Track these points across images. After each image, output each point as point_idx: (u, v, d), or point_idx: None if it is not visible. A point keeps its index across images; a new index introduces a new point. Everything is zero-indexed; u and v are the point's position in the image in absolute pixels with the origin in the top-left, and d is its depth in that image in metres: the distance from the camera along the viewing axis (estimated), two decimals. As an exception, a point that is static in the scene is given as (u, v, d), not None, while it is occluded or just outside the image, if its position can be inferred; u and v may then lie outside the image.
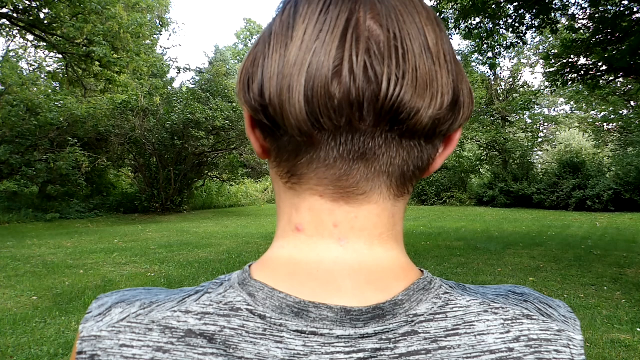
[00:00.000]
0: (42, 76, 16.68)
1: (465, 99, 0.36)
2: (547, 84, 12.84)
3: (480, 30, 8.26)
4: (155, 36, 21.66)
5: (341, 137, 0.33)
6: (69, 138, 13.60)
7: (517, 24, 8.03)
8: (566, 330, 0.37)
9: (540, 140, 24.72)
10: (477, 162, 21.69)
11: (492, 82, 22.59)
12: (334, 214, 0.36)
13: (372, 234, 0.37)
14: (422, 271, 0.39)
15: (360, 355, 0.33)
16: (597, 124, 23.29)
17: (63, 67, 15.43)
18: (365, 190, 0.35)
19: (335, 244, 0.36)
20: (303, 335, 0.33)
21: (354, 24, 0.32)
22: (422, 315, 0.35)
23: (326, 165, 0.34)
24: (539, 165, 22.50)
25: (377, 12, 0.32)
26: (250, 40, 42.61)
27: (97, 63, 12.96)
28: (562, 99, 25.88)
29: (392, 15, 0.33)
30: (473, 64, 19.72)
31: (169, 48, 34.34)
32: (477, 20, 8.17)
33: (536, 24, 8.19)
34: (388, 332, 0.34)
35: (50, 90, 15.70)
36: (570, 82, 9.05)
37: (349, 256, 0.36)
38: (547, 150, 24.79)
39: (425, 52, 0.33)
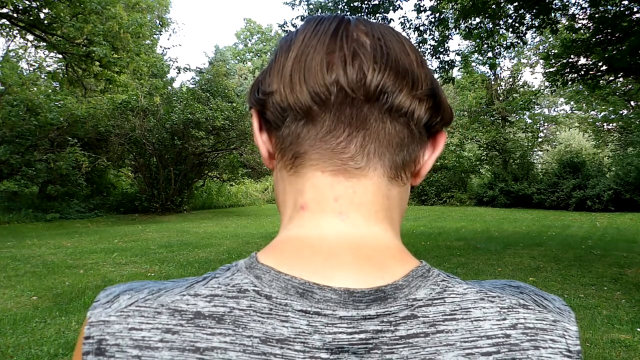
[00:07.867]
0: (42, 76, 16.67)
1: (445, 103, 0.41)
2: (547, 84, 12.84)
3: (480, 30, 8.26)
4: (155, 36, 21.67)
5: (337, 111, 0.37)
6: (69, 138, 13.58)
7: (517, 24, 8.03)
8: (561, 321, 0.38)
9: (540, 140, 24.67)
10: (477, 162, 21.66)
11: (492, 82, 22.55)
12: (334, 188, 0.39)
13: (370, 210, 0.39)
14: (420, 261, 0.40)
15: (362, 335, 0.34)
16: (597, 124, 23.26)
17: (63, 67, 15.39)
18: (361, 165, 0.38)
19: (337, 218, 0.39)
20: (307, 315, 0.35)
21: (343, 28, 0.39)
22: (421, 300, 0.37)
23: (324, 140, 0.38)
24: (539, 165, 22.47)
25: (363, 28, 0.39)
26: (250, 40, 42.84)
27: (97, 63, 12.93)
28: (562, 99, 25.86)
29: (376, 31, 0.39)
30: (473, 64, 19.67)
31: (169, 48, 34.35)
32: (477, 20, 8.16)
33: (536, 24, 8.19)
34: (389, 314, 0.35)
35: (50, 90, 15.69)
36: (570, 82, 9.04)
37: (349, 231, 0.38)
38: (547, 150, 24.75)
39: (405, 55, 0.39)
